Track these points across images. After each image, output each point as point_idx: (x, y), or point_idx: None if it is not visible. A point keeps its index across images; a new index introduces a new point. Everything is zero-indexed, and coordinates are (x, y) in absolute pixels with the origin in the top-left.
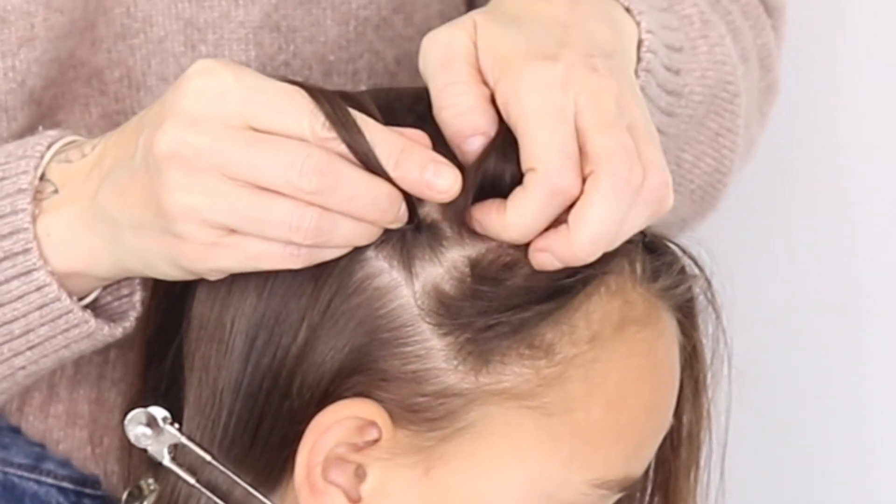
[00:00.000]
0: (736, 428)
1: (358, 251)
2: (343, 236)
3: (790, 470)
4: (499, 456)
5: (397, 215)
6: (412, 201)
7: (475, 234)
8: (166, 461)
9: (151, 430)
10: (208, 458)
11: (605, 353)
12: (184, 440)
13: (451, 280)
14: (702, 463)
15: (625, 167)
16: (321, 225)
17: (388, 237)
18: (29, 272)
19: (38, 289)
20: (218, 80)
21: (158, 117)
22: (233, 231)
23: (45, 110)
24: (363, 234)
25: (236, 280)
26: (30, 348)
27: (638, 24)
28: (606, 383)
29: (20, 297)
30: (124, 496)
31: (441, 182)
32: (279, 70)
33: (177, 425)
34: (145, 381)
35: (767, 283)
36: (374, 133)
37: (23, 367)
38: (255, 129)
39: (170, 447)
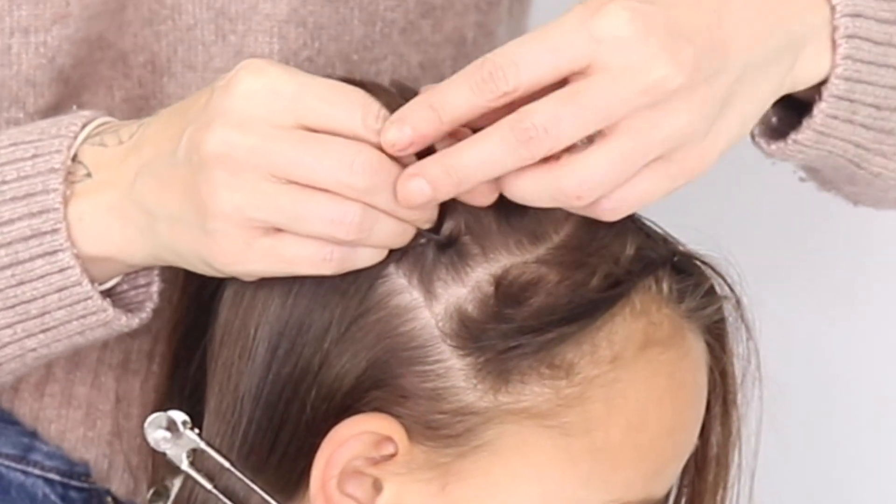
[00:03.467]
0: (766, 451)
1: (381, 267)
2: (381, 237)
3: (820, 495)
4: (515, 474)
5: (433, 215)
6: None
7: (500, 250)
8: (185, 465)
9: (171, 434)
10: (227, 464)
11: (626, 374)
12: (203, 445)
13: (474, 301)
14: (730, 484)
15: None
16: (364, 221)
17: (410, 253)
18: (54, 252)
19: (61, 270)
20: (268, 77)
21: (206, 115)
22: (272, 231)
23: (71, 89)
24: (401, 235)
25: (261, 288)
26: (44, 331)
27: (833, 7)
28: (627, 404)
29: (42, 277)
30: (149, 494)
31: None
32: (302, 66)
33: (196, 430)
34: (171, 384)
35: (800, 304)
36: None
37: (34, 350)
38: (307, 127)
39: (189, 452)
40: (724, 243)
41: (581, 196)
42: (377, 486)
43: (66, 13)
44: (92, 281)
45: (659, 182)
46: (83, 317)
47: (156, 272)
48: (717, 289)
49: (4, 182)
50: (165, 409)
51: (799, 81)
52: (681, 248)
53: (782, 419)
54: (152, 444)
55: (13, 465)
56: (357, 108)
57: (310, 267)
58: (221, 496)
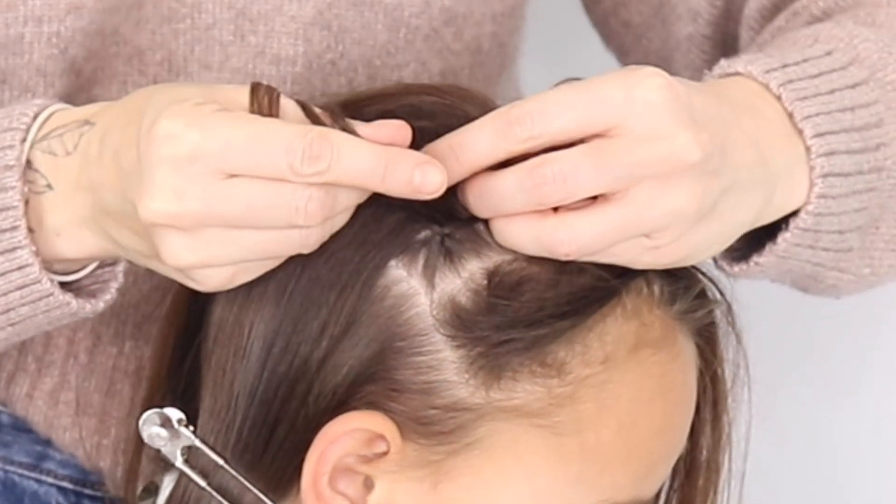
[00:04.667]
0: (755, 455)
1: (381, 259)
2: (345, 202)
3: (811, 498)
4: (506, 473)
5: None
6: (454, 198)
7: (493, 247)
8: (179, 463)
9: (166, 431)
10: (221, 462)
11: (617, 375)
12: (197, 443)
13: (467, 292)
14: (720, 488)
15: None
16: (324, 203)
17: (411, 246)
18: (13, 249)
19: (20, 268)
20: (183, 143)
21: (138, 182)
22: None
23: (83, 81)
24: (363, 193)
25: (256, 286)
26: (11, 325)
27: (800, 132)
28: (618, 405)
29: (1, 275)
30: (139, 491)
31: (429, 185)
32: (325, 69)
33: (191, 428)
34: (167, 381)
35: (789, 307)
36: (358, 152)
37: (4, 339)
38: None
39: (183, 449)
40: None
41: (570, 253)
42: (368, 484)
43: (80, 4)
44: (56, 272)
45: (631, 251)
46: (47, 311)
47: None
48: (708, 293)
49: None
50: (160, 407)
51: (771, 215)
52: None
53: (772, 423)
54: (147, 440)
55: (27, 473)
56: (281, 155)
57: (292, 249)
58: (215, 494)
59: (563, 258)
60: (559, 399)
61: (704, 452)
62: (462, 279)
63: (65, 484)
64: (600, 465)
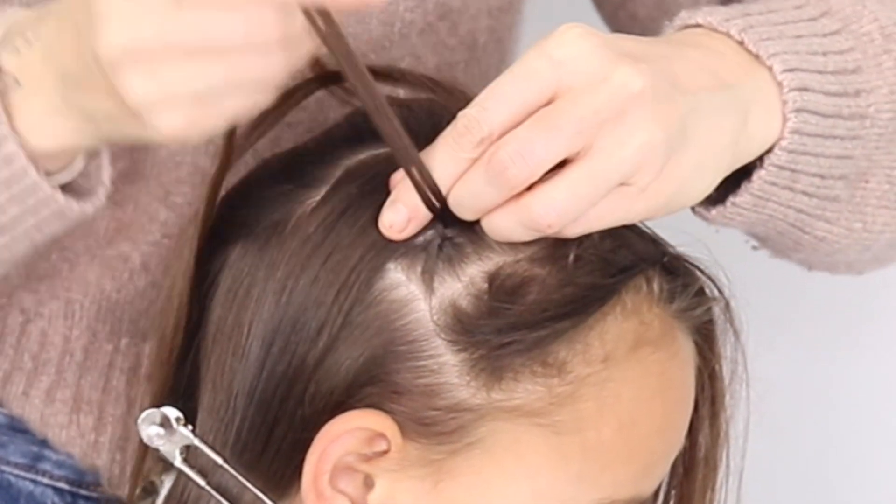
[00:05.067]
0: (753, 452)
1: (379, 262)
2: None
3: (808, 495)
4: (507, 472)
5: None
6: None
7: (494, 249)
8: (178, 462)
9: (164, 431)
10: (220, 461)
11: (618, 374)
12: (196, 442)
13: (468, 296)
14: (718, 485)
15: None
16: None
17: (409, 249)
18: None
19: (7, 160)
20: None
21: (90, 24)
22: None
23: None
24: None
25: (255, 285)
26: (0, 234)
27: (770, 68)
28: (618, 404)
29: None
30: (137, 491)
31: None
32: None
33: (190, 427)
34: (167, 381)
35: (788, 305)
36: None
37: None
38: None
39: (182, 448)
40: (713, 247)
41: (552, 224)
42: (368, 483)
43: None
44: (38, 170)
45: (620, 204)
46: (35, 209)
47: (104, 156)
48: (707, 290)
49: None
50: (159, 406)
51: (752, 145)
52: (671, 249)
53: (770, 420)
54: (146, 440)
55: (22, 473)
56: None
57: (263, 71)
58: (214, 493)
59: (549, 231)
60: (560, 398)
61: (703, 449)
62: (462, 283)
63: (61, 485)
64: (601, 464)
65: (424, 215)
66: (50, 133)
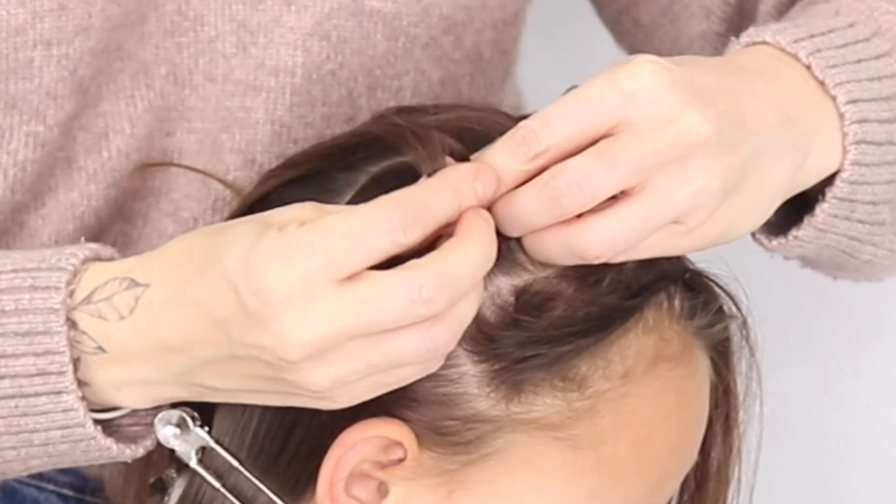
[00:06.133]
0: (765, 468)
1: None
2: (466, 275)
3: None
4: (521, 484)
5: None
6: None
7: (525, 264)
8: (193, 463)
9: (180, 431)
10: (235, 463)
11: (636, 389)
12: (212, 444)
13: (493, 306)
14: (729, 501)
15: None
16: (451, 334)
17: None
18: (59, 392)
19: (65, 411)
20: (290, 269)
21: (253, 325)
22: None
23: (89, 99)
24: (482, 258)
25: None
26: (48, 456)
27: (833, 98)
28: (635, 419)
29: (45, 413)
30: (144, 488)
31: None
32: (325, 79)
33: (206, 428)
34: None
35: (804, 321)
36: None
37: (40, 466)
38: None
39: (198, 449)
40: (731, 261)
41: (599, 256)
42: (382, 490)
43: (88, 25)
44: (95, 423)
45: (667, 240)
46: (86, 452)
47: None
48: (725, 308)
49: (4, 313)
50: (176, 406)
51: (809, 178)
52: (691, 265)
53: (783, 436)
54: (161, 440)
55: (27, 480)
56: (383, 235)
57: (425, 368)
58: (229, 495)
59: (595, 262)
60: (578, 413)
61: (715, 465)
62: (488, 293)
63: (65, 491)
64: (615, 479)
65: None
66: (137, 396)
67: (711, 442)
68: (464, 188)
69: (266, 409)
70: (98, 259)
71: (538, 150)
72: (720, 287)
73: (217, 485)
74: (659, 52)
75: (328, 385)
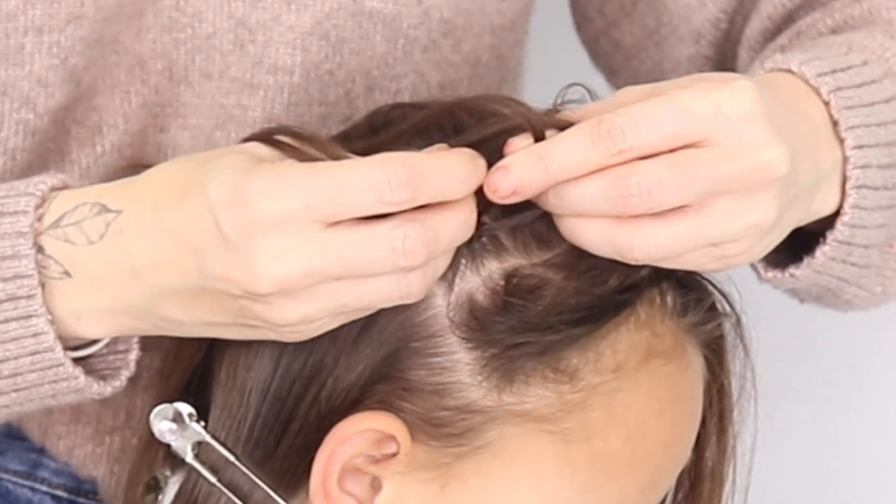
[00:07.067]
0: (760, 468)
1: None
2: (447, 237)
3: None
4: (514, 477)
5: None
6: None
7: (512, 249)
8: (189, 458)
9: (176, 426)
10: (231, 458)
11: (628, 384)
12: (208, 438)
13: (485, 290)
14: (724, 501)
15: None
16: (423, 238)
17: None
18: (28, 317)
19: (35, 335)
20: (271, 204)
21: (228, 255)
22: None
23: (83, 91)
24: (464, 224)
25: None
26: (15, 391)
27: (842, 140)
28: (627, 414)
29: (15, 340)
30: (140, 488)
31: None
32: (323, 79)
33: (202, 423)
34: (178, 377)
35: (799, 321)
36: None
37: (6, 406)
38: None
39: (193, 444)
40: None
41: (639, 259)
42: (376, 485)
43: (80, 14)
44: (66, 348)
45: (699, 258)
46: (54, 382)
47: (135, 340)
48: (718, 306)
49: None
50: (172, 401)
51: (809, 218)
52: None
53: (777, 436)
54: (157, 435)
55: (21, 481)
56: (366, 192)
57: (395, 298)
58: (225, 490)
59: (632, 262)
60: (569, 406)
61: (709, 464)
62: (481, 277)
63: (59, 492)
64: (608, 474)
65: (531, 192)
66: (95, 327)
67: (706, 441)
68: (464, 174)
69: (262, 403)
70: (67, 187)
71: (623, 147)
72: (713, 285)
73: (213, 480)
74: (638, 75)
75: (296, 321)
